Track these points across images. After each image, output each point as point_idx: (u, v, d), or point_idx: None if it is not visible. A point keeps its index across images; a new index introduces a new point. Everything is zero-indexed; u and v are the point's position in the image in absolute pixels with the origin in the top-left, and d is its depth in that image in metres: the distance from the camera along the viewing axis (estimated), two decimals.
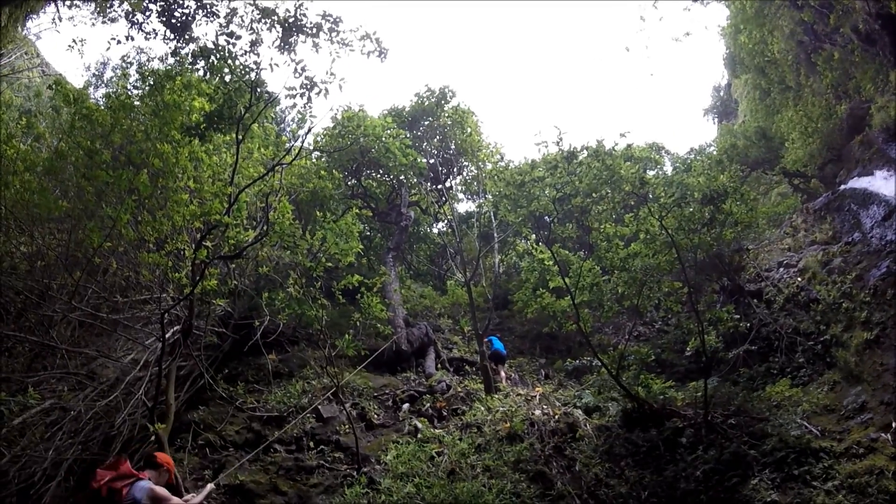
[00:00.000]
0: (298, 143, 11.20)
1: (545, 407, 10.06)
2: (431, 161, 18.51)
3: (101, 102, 11.74)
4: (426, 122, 18.89)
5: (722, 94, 26.92)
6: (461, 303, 16.55)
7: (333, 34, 7.69)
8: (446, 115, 18.51)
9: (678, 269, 10.12)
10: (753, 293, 12.06)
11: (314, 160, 15.68)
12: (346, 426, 9.35)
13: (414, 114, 18.81)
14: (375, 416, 10.28)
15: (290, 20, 7.55)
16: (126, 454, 5.62)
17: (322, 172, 14.10)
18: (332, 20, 7.66)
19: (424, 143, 18.85)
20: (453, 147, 18.88)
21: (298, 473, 8.24)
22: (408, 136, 16.99)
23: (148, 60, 17.20)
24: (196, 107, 8.78)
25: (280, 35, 7.57)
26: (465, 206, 22.69)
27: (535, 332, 15.16)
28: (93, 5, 11.00)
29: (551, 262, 11.43)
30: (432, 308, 17.08)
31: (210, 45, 7.61)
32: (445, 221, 19.77)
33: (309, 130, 10.51)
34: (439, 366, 13.09)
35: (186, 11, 7.75)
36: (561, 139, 10.71)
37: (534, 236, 18.16)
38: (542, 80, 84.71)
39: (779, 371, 10.16)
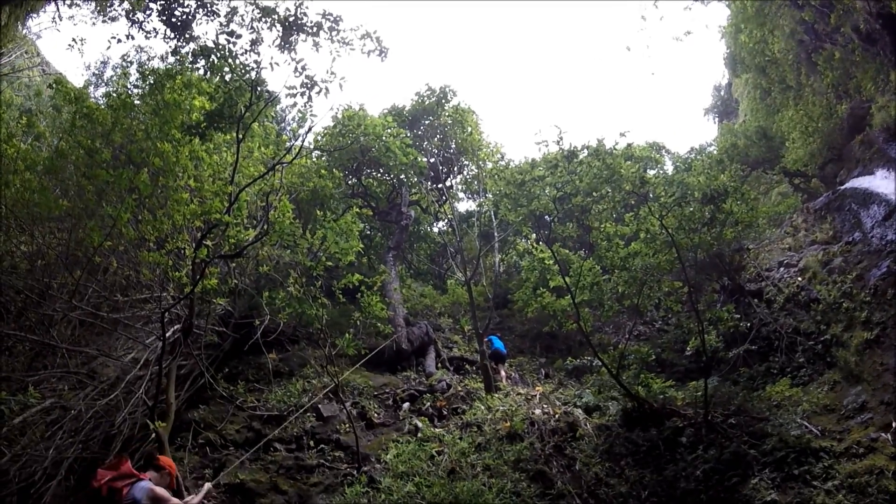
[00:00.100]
0: (299, 142, 11.22)
1: (545, 406, 10.06)
2: (432, 160, 18.51)
3: (102, 102, 11.73)
4: (426, 122, 18.88)
5: (722, 93, 26.89)
6: (461, 302, 16.54)
7: (334, 33, 7.68)
8: (447, 114, 18.49)
9: (678, 269, 10.12)
10: (754, 293, 12.06)
11: (314, 159, 15.68)
12: (347, 425, 9.35)
13: (414, 113, 18.80)
14: (376, 415, 10.29)
15: (291, 19, 7.54)
16: (127, 453, 5.63)
17: (322, 171, 14.10)
18: (332, 19, 7.65)
19: (425, 143, 18.84)
20: (454, 146, 18.87)
21: (299, 472, 8.25)
22: (408, 135, 16.98)
23: (148, 59, 17.19)
24: (196, 106, 8.79)
25: (280, 34, 7.56)
26: (465, 205, 22.72)
27: (536, 331, 15.17)
28: (93, 4, 11.00)
29: (551, 262, 11.42)
30: (432, 307, 17.08)
31: (210, 44, 7.59)
32: (446, 220, 19.77)
33: (309, 129, 10.56)
34: (439, 365, 13.10)
35: (187, 10, 7.74)
36: (561, 138, 10.71)
37: (534, 235, 18.19)
38: (543, 80, 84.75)
39: (779, 371, 10.17)
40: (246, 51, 7.65)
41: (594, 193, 11.56)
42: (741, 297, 12.15)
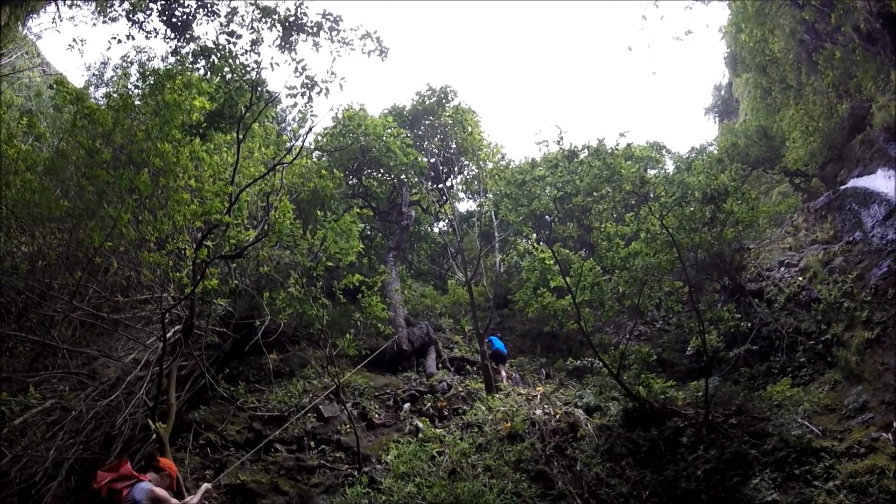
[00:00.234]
0: (299, 143, 11.23)
1: (546, 406, 10.06)
2: (432, 160, 18.50)
3: (102, 102, 11.73)
4: (427, 122, 18.88)
5: (723, 92, 26.88)
6: (462, 302, 16.53)
7: (334, 33, 7.68)
8: (447, 114, 18.49)
9: (679, 269, 10.11)
10: (754, 292, 12.06)
11: (315, 159, 15.69)
12: (347, 426, 9.35)
13: (415, 113, 18.80)
14: (376, 415, 10.29)
15: (291, 19, 7.54)
16: (127, 454, 5.64)
17: (323, 172, 14.10)
18: (332, 19, 7.65)
19: (425, 143, 18.84)
20: (454, 146, 18.87)
21: (299, 473, 8.25)
22: (409, 135, 16.98)
23: (148, 60, 17.21)
24: (197, 106, 8.79)
25: (280, 34, 7.55)
26: (465, 205, 22.70)
27: (536, 331, 15.16)
28: (93, 5, 11.02)
29: (552, 262, 11.42)
30: (433, 307, 17.08)
31: (211, 45, 7.59)
32: (446, 221, 19.78)
33: (310, 130, 10.58)
34: (440, 365, 13.10)
35: (187, 10, 7.73)
36: (562, 138, 10.70)
37: (535, 235, 18.17)
38: (544, 80, 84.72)
39: (780, 370, 10.16)
40: (246, 51, 7.66)
41: (594, 193, 11.57)
42: (742, 296, 12.15)
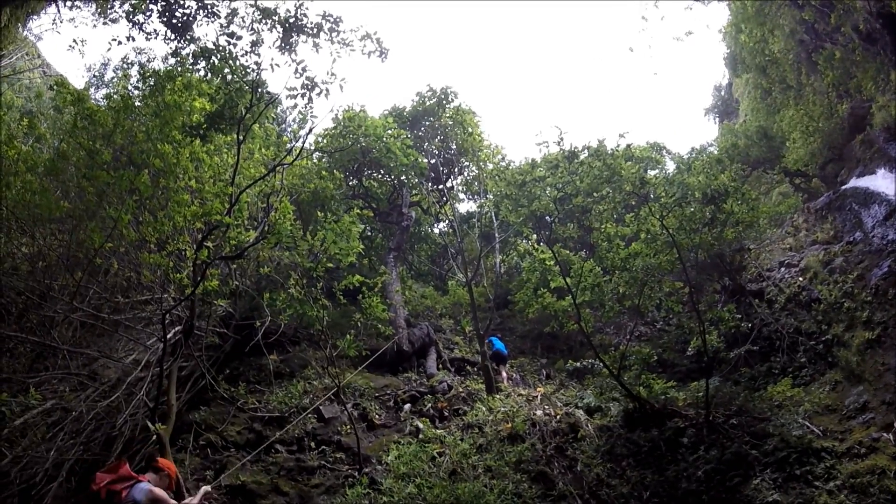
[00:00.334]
0: (299, 144, 11.23)
1: (546, 407, 10.05)
2: (432, 161, 18.50)
3: (102, 103, 11.74)
4: (427, 123, 18.88)
5: (723, 93, 26.88)
6: (462, 303, 16.53)
7: (334, 34, 7.68)
8: (447, 115, 18.50)
9: (679, 269, 10.11)
10: (755, 293, 12.05)
11: (315, 160, 15.69)
12: (348, 426, 9.35)
13: (415, 114, 18.80)
14: (377, 416, 10.28)
15: (291, 20, 7.55)
16: (127, 456, 5.64)
17: (323, 173, 14.11)
18: (332, 20, 7.65)
19: (426, 143, 18.84)
20: (454, 147, 18.87)
21: (300, 474, 8.24)
22: (409, 136, 16.97)
23: (149, 61, 17.21)
24: (197, 107, 8.79)
25: (281, 35, 7.56)
26: (466, 206, 22.71)
27: (537, 332, 15.16)
28: (93, 6, 11.02)
29: (552, 262, 11.42)
30: (433, 308, 17.08)
31: (211, 46, 7.60)
32: (446, 221, 19.77)
33: (310, 131, 10.55)
34: (440, 366, 13.09)
35: (187, 12, 7.74)
36: (562, 139, 10.71)
37: (535, 236, 18.16)
38: (544, 80, 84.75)
39: (780, 371, 10.15)
40: (246, 52, 7.67)
41: (595, 194, 11.57)
42: (742, 297, 12.14)
